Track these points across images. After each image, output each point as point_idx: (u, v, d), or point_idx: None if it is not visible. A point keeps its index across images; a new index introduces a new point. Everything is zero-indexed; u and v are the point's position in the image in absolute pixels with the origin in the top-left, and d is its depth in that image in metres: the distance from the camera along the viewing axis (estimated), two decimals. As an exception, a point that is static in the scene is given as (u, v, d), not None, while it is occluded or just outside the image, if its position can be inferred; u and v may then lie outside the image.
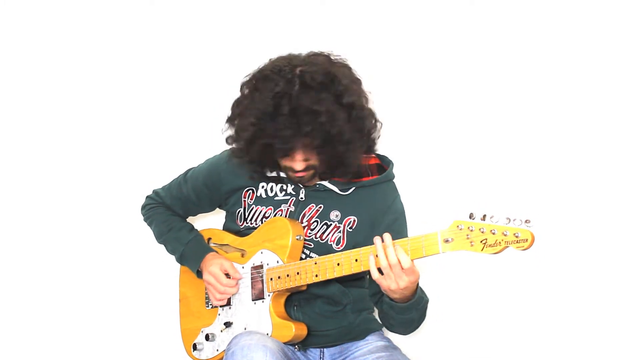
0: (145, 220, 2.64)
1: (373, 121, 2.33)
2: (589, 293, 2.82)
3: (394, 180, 2.46)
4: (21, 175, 3.06)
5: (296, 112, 2.14)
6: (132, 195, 2.85)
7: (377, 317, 2.47)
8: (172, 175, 2.62)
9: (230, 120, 2.33)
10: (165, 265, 2.71)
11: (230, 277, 2.37)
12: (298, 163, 2.25)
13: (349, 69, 2.30)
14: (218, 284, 2.37)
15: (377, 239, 2.12)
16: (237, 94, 2.31)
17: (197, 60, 3.05)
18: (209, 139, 2.78)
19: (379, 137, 2.38)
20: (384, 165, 2.44)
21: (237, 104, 2.31)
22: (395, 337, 2.47)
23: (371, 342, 2.40)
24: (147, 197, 2.65)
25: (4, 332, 3.00)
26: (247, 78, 2.30)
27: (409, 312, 2.22)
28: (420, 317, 2.28)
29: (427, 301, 2.27)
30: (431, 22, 2.96)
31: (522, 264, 2.73)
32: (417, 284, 2.19)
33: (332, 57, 2.30)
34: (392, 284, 2.11)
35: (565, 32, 2.89)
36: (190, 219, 2.63)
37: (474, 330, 2.88)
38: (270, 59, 2.31)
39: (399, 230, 2.38)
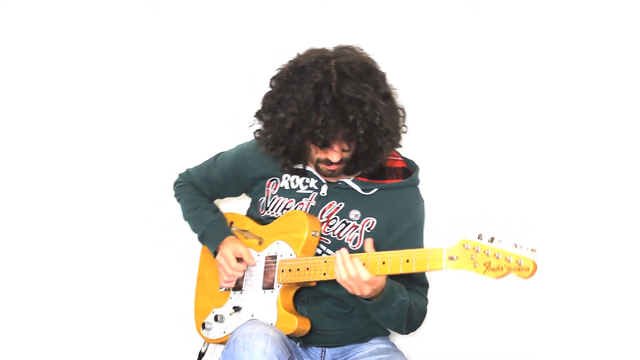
0: (175, 196, 2.70)
1: (402, 114, 2.35)
2: (591, 297, 2.80)
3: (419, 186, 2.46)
4: (24, 175, 3.12)
5: (338, 102, 2.16)
6: (141, 185, 2.95)
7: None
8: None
9: (262, 113, 2.35)
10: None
11: (242, 262, 2.42)
12: (335, 154, 2.26)
13: (375, 62, 2.32)
14: (227, 267, 2.42)
15: (337, 253, 2.18)
16: (259, 89, 2.33)
17: (197, 60, 3.06)
18: (206, 138, 2.89)
19: (405, 132, 2.39)
20: (410, 169, 2.44)
21: (269, 97, 2.32)
22: (401, 342, 2.49)
23: (373, 344, 2.42)
24: (180, 174, 2.71)
25: (8, 330, 3.08)
26: (278, 72, 2.32)
27: (382, 309, 2.22)
28: (399, 315, 2.26)
29: (404, 301, 2.25)
30: (431, 23, 2.92)
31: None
32: (386, 285, 2.19)
33: (358, 50, 2.32)
34: (357, 292, 2.16)
35: (566, 32, 2.83)
36: (217, 202, 2.68)
37: (479, 337, 2.86)
38: (298, 53, 2.32)
39: (414, 239, 2.39)
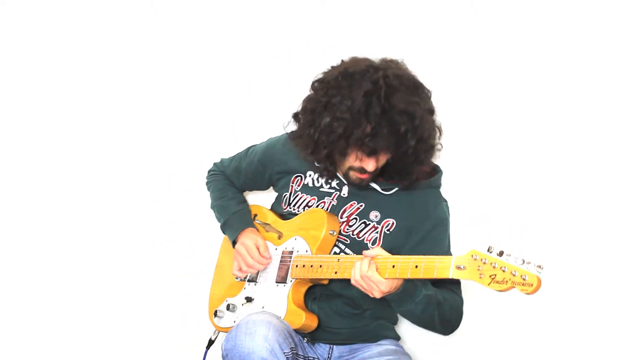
0: (206, 184, 2.75)
1: (439, 133, 2.33)
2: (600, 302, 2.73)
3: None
4: (24, 175, 3.17)
5: (389, 112, 2.15)
6: (141, 185, 2.98)
7: (395, 327, 2.52)
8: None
9: (301, 116, 2.32)
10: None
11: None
12: (373, 163, 2.26)
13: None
14: (248, 257, 2.45)
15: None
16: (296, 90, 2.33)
17: (197, 60, 3.08)
18: (206, 138, 2.91)
19: (440, 150, 2.39)
20: (432, 172, 2.44)
21: (313, 100, 2.28)
22: (410, 346, 2.50)
23: (382, 345, 2.42)
24: (214, 163, 2.76)
25: (9, 330, 3.14)
26: (323, 75, 2.30)
27: (405, 303, 2.21)
28: (425, 311, 2.23)
29: (429, 295, 2.22)
30: (431, 22, 2.90)
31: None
32: (404, 280, 2.17)
33: (402, 65, 2.30)
34: (368, 293, 2.17)
35: (567, 32, 2.77)
36: (245, 194, 2.71)
37: (488, 343, 2.83)
38: (342, 60, 2.31)
39: (436, 239, 2.38)
